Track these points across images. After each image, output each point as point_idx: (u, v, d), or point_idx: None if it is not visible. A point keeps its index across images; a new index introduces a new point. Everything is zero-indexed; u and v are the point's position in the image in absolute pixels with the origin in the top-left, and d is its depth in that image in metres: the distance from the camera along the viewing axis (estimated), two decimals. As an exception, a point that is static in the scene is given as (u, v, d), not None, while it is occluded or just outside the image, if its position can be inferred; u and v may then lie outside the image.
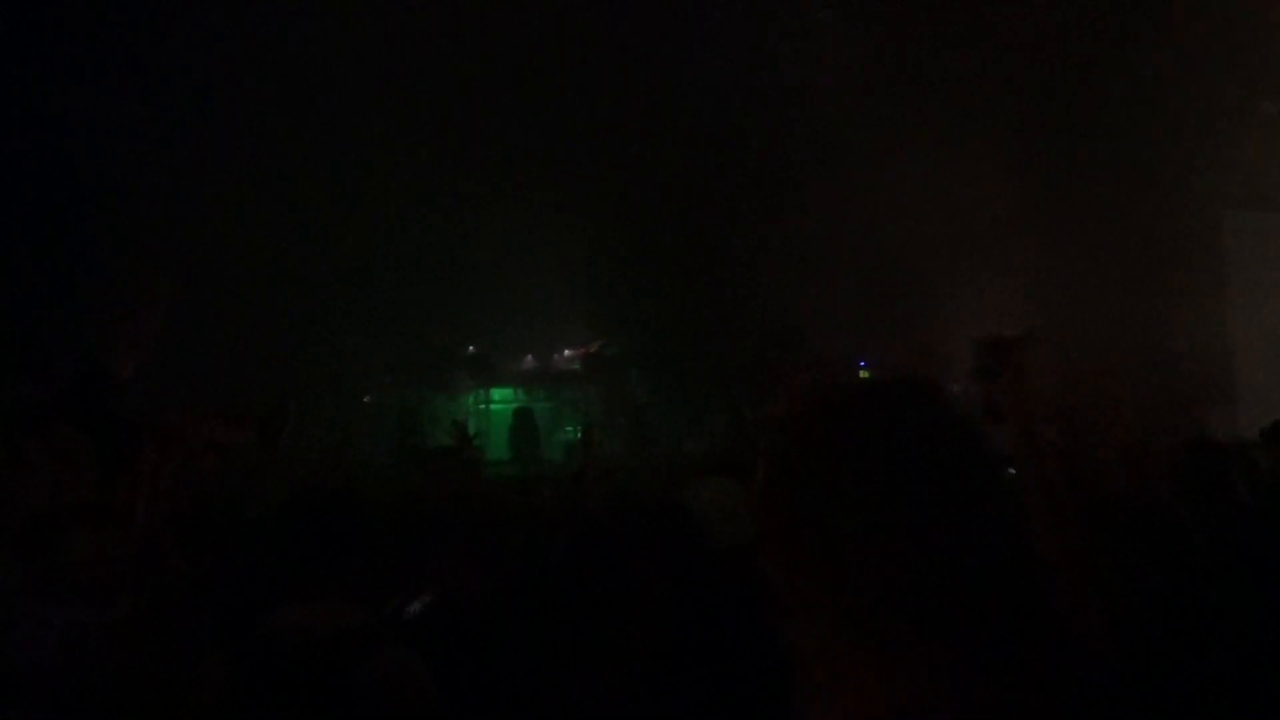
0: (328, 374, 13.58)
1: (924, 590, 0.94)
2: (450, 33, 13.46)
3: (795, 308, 12.86)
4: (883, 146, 12.68)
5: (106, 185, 12.41)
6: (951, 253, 12.78)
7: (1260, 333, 12.67)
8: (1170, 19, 12.10)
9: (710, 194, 13.87)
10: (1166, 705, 2.38)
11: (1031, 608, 0.96)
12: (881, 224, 12.81)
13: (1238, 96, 12.52)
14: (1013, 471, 0.96)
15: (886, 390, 1.05)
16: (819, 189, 12.89)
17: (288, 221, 13.27)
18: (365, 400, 14.45)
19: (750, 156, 13.81)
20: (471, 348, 14.03)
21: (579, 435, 13.25)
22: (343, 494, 2.28)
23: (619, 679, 2.58)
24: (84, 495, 2.99)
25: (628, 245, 13.75)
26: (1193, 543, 2.94)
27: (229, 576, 2.65)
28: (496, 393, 13.99)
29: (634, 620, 2.87)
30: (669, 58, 13.53)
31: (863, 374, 12.06)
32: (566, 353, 14.43)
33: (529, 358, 14.29)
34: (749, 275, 13.04)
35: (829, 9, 13.52)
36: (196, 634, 2.30)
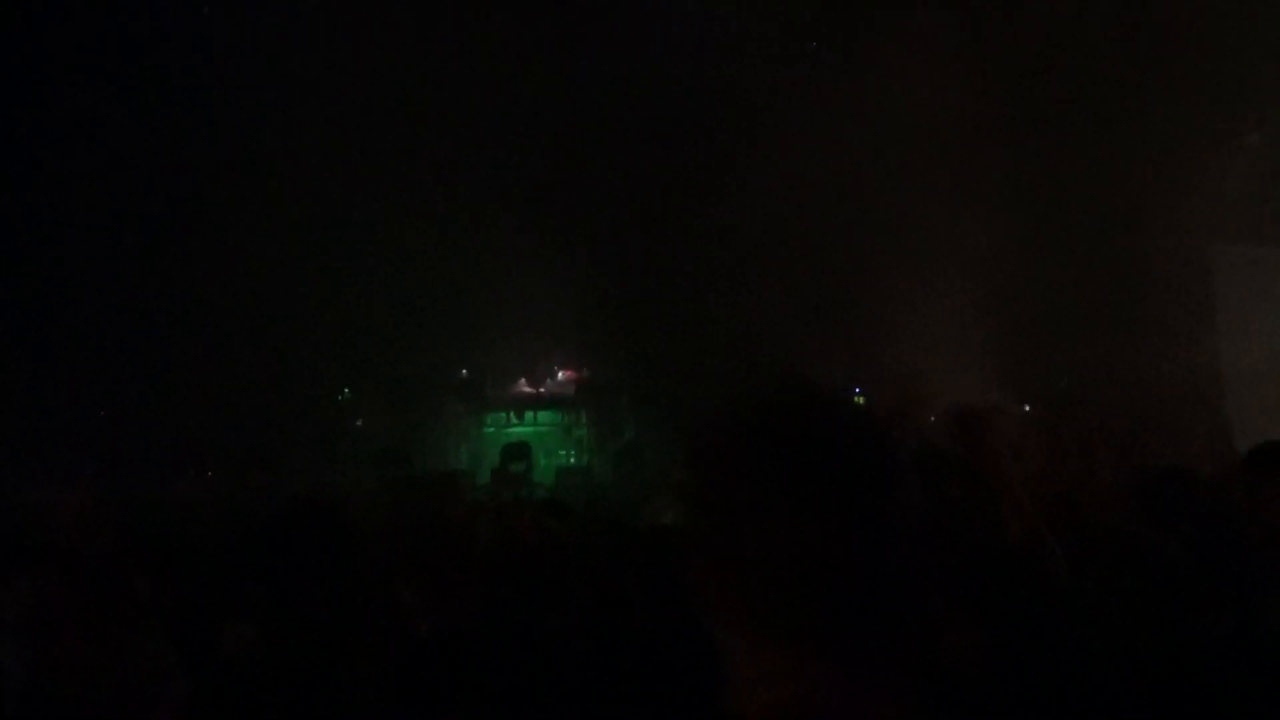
0: (319, 399, 13.62)
1: (826, 590, 0.99)
2: (447, 61, 13.56)
3: (790, 338, 12.90)
4: (877, 178, 12.75)
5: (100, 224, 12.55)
6: (945, 280, 12.82)
7: (1251, 361, 12.68)
8: (1160, 48, 12.19)
9: (705, 222, 13.92)
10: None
11: (923, 606, 1.00)
12: (876, 254, 12.86)
13: (1226, 127, 12.60)
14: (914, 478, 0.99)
15: (791, 403, 1.08)
16: (816, 220, 12.94)
17: (279, 247, 13.33)
18: (358, 424, 14.47)
19: (748, 184, 13.86)
20: (464, 371, 14.06)
21: (570, 460, 13.36)
22: (330, 511, 2.28)
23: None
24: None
25: (622, 271, 13.80)
26: (1176, 570, 2.96)
27: (188, 598, 2.66)
28: (488, 417, 13.98)
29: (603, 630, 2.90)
30: (669, 93, 13.69)
31: (857, 400, 12.07)
32: (560, 376, 14.45)
33: (521, 381, 14.30)
34: (743, 305, 13.06)
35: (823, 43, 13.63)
36: (156, 656, 2.30)
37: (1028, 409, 11.81)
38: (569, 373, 14.50)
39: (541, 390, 14.15)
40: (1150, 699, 2.51)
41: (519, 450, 12.42)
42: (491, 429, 13.75)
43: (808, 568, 0.98)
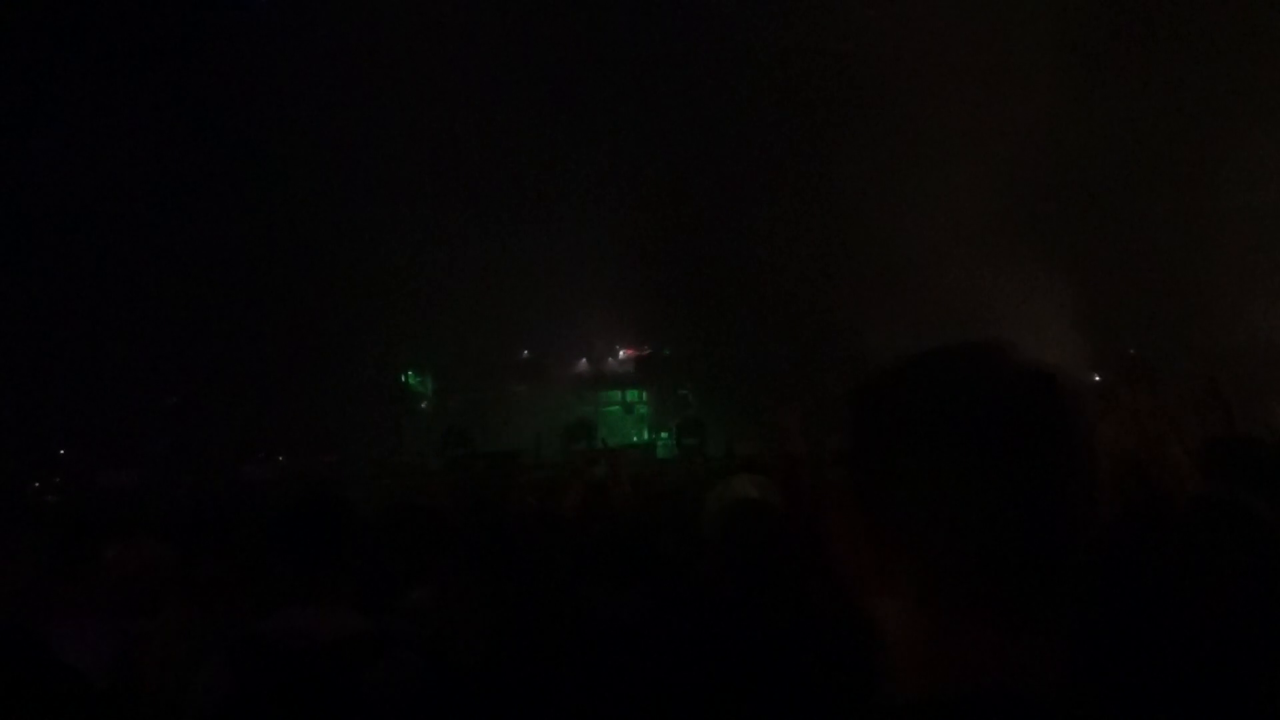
0: (385, 383, 13.80)
1: (999, 556, 0.94)
2: (519, 45, 13.69)
3: (847, 315, 12.83)
4: (935, 160, 12.67)
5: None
6: (1004, 257, 12.70)
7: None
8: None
9: (768, 201, 13.85)
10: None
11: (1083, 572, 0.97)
12: (933, 233, 12.77)
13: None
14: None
15: (952, 356, 1.02)
16: (878, 194, 12.82)
17: (348, 234, 13.54)
18: (423, 405, 14.65)
19: (810, 168, 13.75)
20: (526, 352, 14.14)
21: (634, 438, 13.40)
22: (346, 499, 2.29)
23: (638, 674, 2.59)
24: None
25: (684, 251, 13.73)
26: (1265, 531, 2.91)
27: (241, 580, 2.70)
28: (551, 396, 14.05)
29: (656, 614, 2.88)
30: (729, 80, 13.66)
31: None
32: (622, 354, 14.47)
33: (583, 361, 14.33)
34: (803, 283, 12.95)
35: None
36: (207, 637, 2.34)
37: (1097, 378, 11.59)
38: (630, 350, 14.50)
39: (603, 369, 14.18)
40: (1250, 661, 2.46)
41: (582, 428, 12.49)
42: (555, 407, 13.81)
43: (1003, 532, 0.94)
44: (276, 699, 1.95)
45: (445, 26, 13.38)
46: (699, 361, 13.95)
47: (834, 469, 1.08)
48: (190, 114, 13.49)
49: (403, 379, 13.98)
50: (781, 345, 13.13)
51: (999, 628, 0.95)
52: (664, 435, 13.20)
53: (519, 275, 13.97)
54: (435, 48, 13.21)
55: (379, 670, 2.02)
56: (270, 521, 2.18)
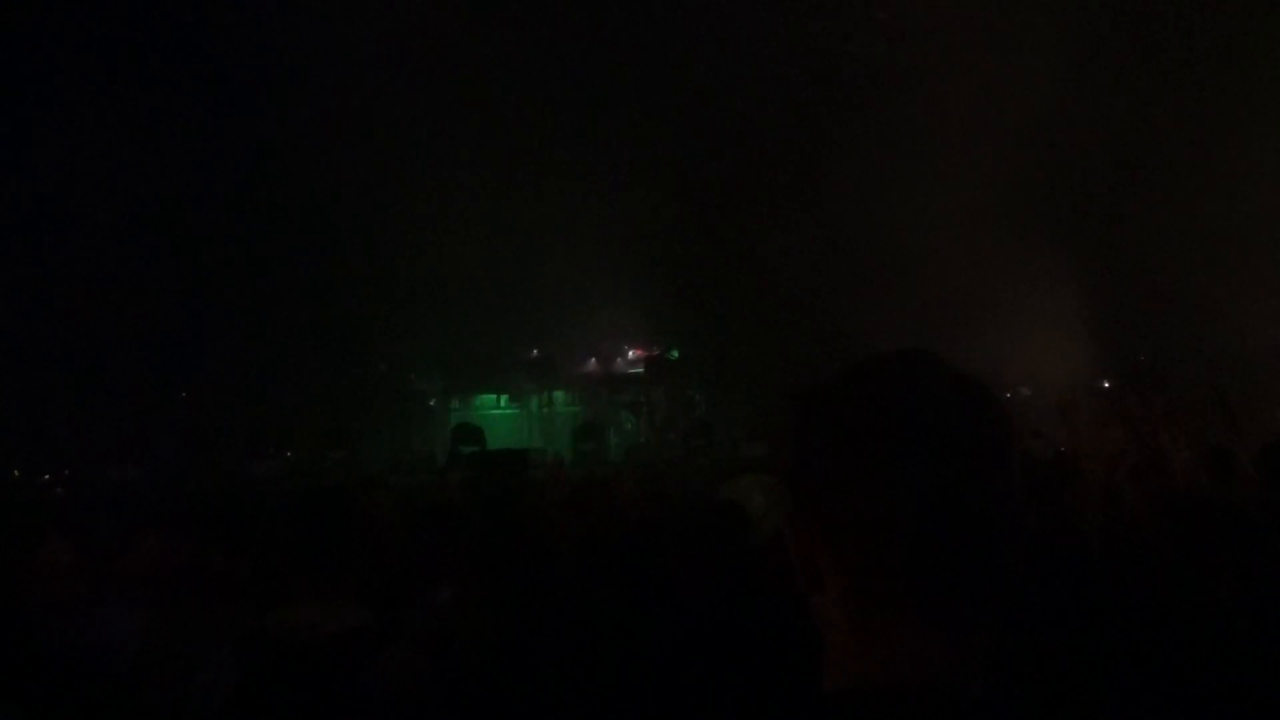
0: (394, 380, 13.83)
1: (920, 556, 0.98)
2: (520, 43, 13.68)
3: (856, 317, 12.81)
4: (945, 164, 12.66)
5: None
6: (1013, 263, 12.69)
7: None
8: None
9: (775, 202, 13.83)
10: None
11: (1022, 574, 1.01)
12: (944, 234, 12.74)
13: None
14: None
15: (883, 364, 1.07)
16: (884, 200, 12.80)
17: (356, 231, 13.57)
18: (431, 404, 14.67)
19: (819, 165, 13.74)
20: (535, 351, 14.14)
21: (642, 439, 13.40)
22: (350, 493, 2.31)
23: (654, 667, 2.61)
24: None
25: (692, 251, 13.73)
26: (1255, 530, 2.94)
27: (248, 573, 2.72)
28: (558, 395, 14.08)
29: (671, 610, 2.90)
30: (744, 75, 13.65)
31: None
32: (630, 354, 14.46)
33: (592, 360, 14.34)
34: (810, 284, 12.94)
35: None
36: (213, 629, 2.36)
37: (1107, 385, 11.58)
38: (639, 351, 14.50)
39: (611, 369, 14.18)
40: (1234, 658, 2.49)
41: (590, 429, 12.51)
42: (562, 407, 13.85)
43: (921, 534, 0.98)
44: (278, 691, 1.97)
45: (461, 23, 13.43)
46: (708, 363, 13.95)
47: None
48: (200, 108, 13.55)
49: (411, 376, 14.00)
50: (790, 347, 13.12)
51: (919, 624, 0.99)
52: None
53: (529, 274, 13.99)
54: (450, 44, 13.25)
55: (379, 665, 2.04)
56: (277, 517, 2.21)
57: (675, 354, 13.96)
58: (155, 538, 3.03)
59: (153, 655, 2.62)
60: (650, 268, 13.70)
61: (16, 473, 11.69)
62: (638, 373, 14.03)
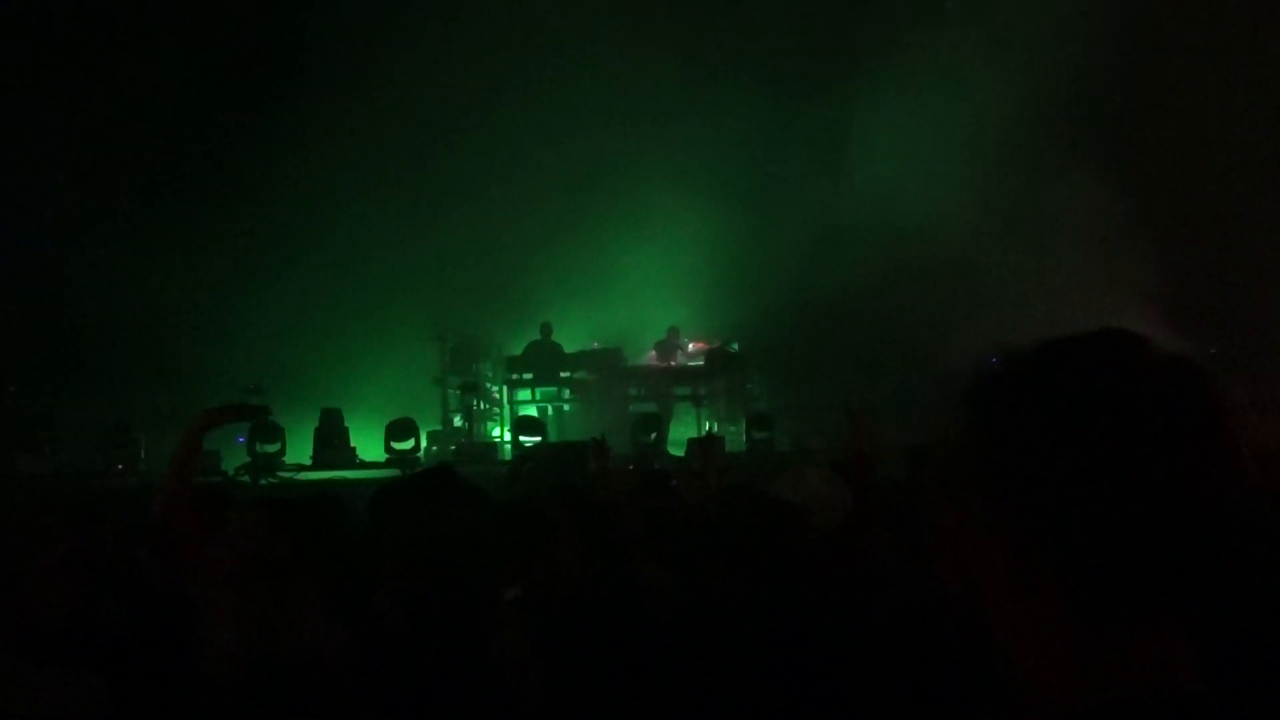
0: (458, 369, 13.91)
1: (1152, 552, 0.90)
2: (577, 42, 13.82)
3: (920, 314, 12.73)
4: (1006, 151, 12.58)
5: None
6: (1080, 254, 12.54)
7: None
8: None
9: (838, 194, 13.76)
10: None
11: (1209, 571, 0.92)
12: (1008, 229, 12.67)
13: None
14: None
15: (1086, 345, 0.97)
16: (947, 198, 12.71)
17: (420, 227, 13.72)
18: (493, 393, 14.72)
19: (891, 156, 13.66)
20: (595, 344, 14.11)
21: (703, 431, 13.31)
22: (452, 475, 2.28)
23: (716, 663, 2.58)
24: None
25: (754, 244, 13.65)
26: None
27: (339, 553, 2.71)
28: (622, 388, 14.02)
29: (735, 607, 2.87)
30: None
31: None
32: (690, 347, 14.39)
33: (652, 353, 14.29)
34: (874, 276, 12.80)
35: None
36: (308, 609, 2.36)
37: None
38: (699, 343, 14.43)
39: (672, 362, 14.12)
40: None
41: (649, 421, 12.45)
42: (625, 399, 13.79)
43: (1168, 529, 0.90)
44: (385, 668, 1.97)
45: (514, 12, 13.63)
46: (769, 355, 13.85)
47: (942, 466, 1.03)
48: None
49: (473, 368, 14.06)
50: (852, 341, 13.01)
51: (1151, 627, 0.91)
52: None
53: (591, 267, 14.00)
54: (502, 31, 13.44)
55: (490, 647, 2.02)
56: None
57: (735, 346, 13.85)
58: (254, 515, 3.00)
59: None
60: (713, 260, 13.66)
61: None
62: (698, 365, 13.96)
